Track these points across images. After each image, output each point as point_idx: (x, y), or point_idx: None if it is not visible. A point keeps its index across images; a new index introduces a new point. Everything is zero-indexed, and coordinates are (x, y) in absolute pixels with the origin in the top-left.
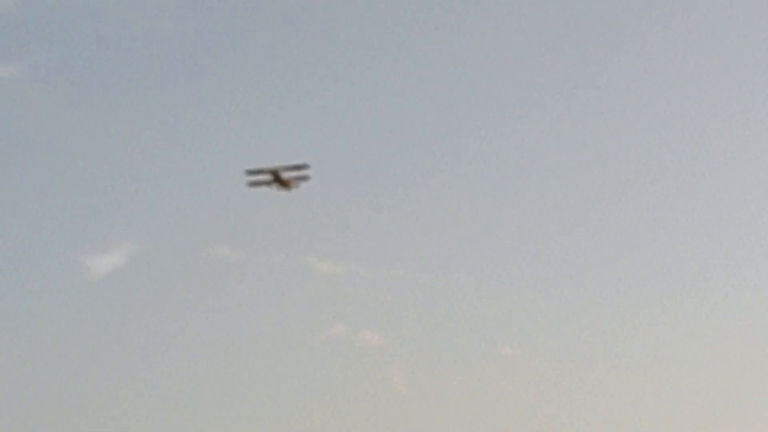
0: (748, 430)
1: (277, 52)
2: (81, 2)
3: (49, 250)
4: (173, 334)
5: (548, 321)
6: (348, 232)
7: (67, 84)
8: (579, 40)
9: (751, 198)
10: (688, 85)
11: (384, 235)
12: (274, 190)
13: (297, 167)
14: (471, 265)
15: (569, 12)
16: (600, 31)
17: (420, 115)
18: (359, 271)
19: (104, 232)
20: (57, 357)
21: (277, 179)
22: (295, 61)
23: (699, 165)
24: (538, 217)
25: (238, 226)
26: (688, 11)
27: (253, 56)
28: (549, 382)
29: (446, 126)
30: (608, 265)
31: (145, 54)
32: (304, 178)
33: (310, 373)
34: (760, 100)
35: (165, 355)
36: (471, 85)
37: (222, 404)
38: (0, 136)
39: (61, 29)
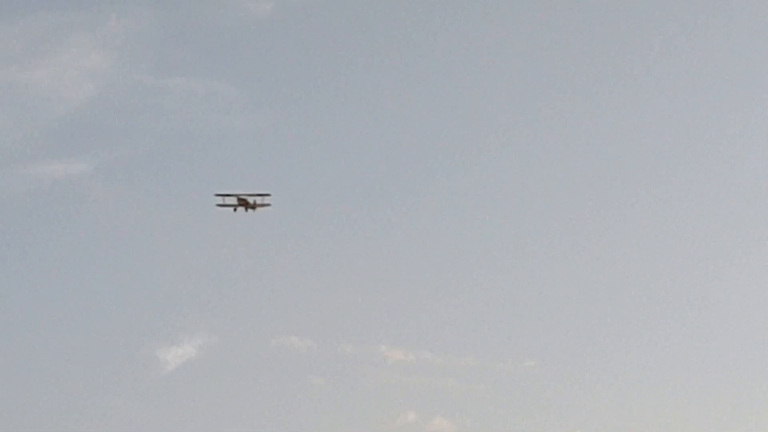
0: None
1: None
2: (152, 101)
3: (123, 344)
4: (246, 425)
5: (611, 400)
6: (417, 320)
7: (139, 180)
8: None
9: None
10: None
11: (453, 322)
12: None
13: (261, 195)
14: (538, 351)
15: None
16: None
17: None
18: (429, 358)
19: (176, 324)
20: None
21: (243, 203)
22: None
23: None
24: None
25: (307, 315)
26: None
27: (317, 152)
28: None
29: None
30: (673, 356)
31: (213, 150)
32: (267, 204)
33: None
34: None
35: None
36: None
37: None
38: (73, 231)
39: (133, 127)
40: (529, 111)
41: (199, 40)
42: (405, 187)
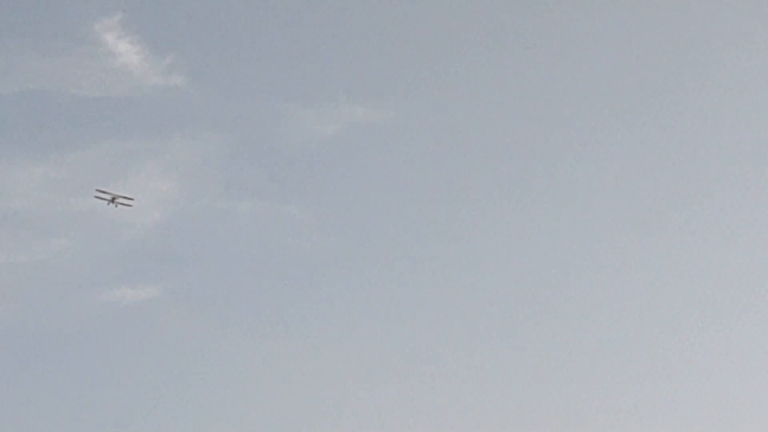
0: None
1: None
2: (220, 225)
3: None
4: None
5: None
6: None
7: (206, 304)
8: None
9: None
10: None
11: None
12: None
13: (126, 197)
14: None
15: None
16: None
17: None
18: None
19: None
20: None
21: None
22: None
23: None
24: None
25: None
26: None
27: (390, 273)
28: None
29: None
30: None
31: (280, 270)
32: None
33: None
34: None
35: None
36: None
37: None
38: (144, 356)
39: (202, 251)
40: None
41: (265, 163)
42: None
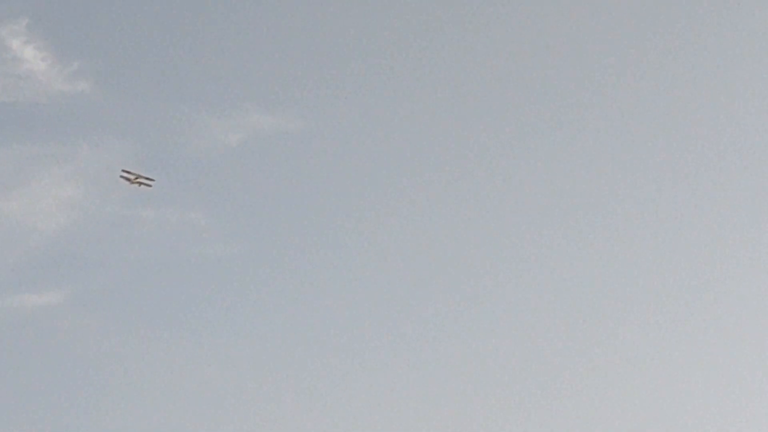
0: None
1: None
2: (125, 231)
3: None
4: None
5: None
6: None
7: (111, 310)
8: None
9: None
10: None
11: None
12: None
13: (147, 178)
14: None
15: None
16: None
17: None
18: None
19: None
20: None
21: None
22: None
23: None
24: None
25: None
26: None
27: (293, 280)
28: None
29: None
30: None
31: (186, 278)
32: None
33: None
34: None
35: None
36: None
37: None
38: (48, 362)
39: (106, 257)
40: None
41: (171, 170)
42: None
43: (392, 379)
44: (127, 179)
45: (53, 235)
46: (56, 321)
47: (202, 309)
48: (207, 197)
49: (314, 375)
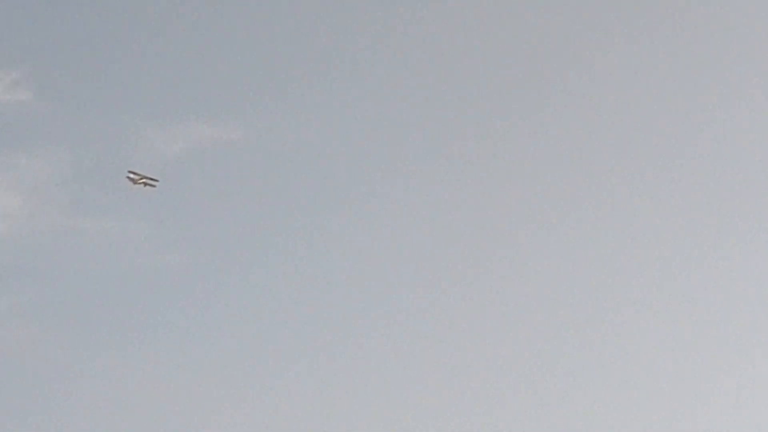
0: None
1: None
2: (64, 242)
3: None
4: None
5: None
6: None
7: (51, 320)
8: None
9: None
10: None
11: None
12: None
13: (151, 178)
14: None
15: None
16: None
17: None
18: None
19: None
20: None
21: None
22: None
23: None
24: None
25: None
26: None
27: (236, 291)
28: None
29: None
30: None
31: (126, 287)
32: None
33: None
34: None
35: None
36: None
37: None
38: None
39: (45, 268)
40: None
41: (112, 180)
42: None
43: (350, 396)
44: (132, 180)
45: None
46: None
47: (144, 320)
48: (148, 207)
49: (257, 388)
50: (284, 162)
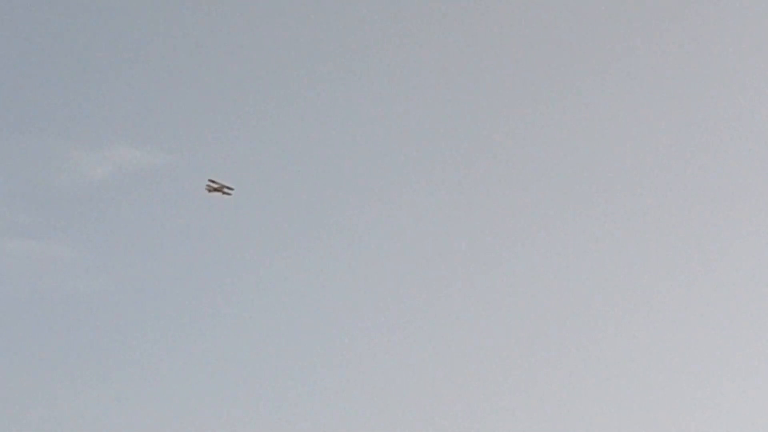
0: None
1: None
2: None
3: None
4: None
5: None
6: None
7: None
8: None
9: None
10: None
11: None
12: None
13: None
14: None
15: None
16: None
17: None
18: None
19: None
20: None
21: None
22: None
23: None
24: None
25: None
26: None
27: (159, 315)
28: None
29: None
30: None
31: (47, 311)
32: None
33: None
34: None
35: None
36: None
37: None
38: None
39: None
40: None
41: (35, 203)
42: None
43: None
44: (210, 188)
45: None
46: None
47: (67, 344)
48: (72, 231)
49: (180, 406)
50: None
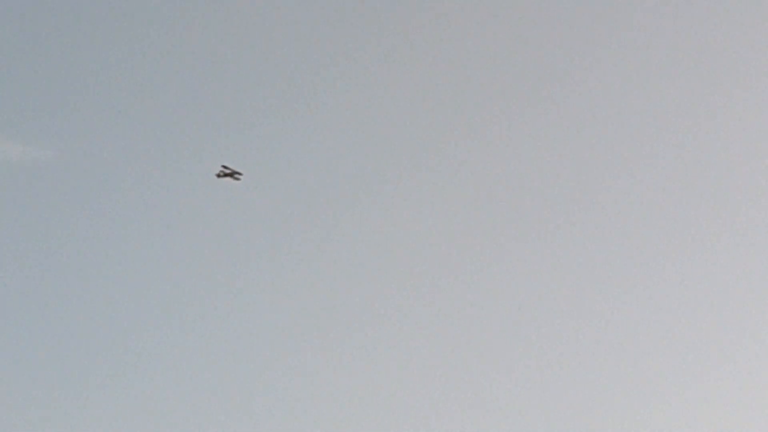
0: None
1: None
2: None
3: None
4: None
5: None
6: None
7: None
8: None
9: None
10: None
11: None
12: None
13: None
14: None
15: None
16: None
17: None
18: None
19: None
20: None
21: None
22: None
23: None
24: None
25: None
26: None
27: (42, 314)
28: None
29: None
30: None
31: None
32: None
33: None
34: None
35: None
36: None
37: None
38: None
39: None
40: None
41: None
42: None
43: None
44: (222, 174)
45: None
46: None
47: None
48: None
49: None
50: (96, 183)
